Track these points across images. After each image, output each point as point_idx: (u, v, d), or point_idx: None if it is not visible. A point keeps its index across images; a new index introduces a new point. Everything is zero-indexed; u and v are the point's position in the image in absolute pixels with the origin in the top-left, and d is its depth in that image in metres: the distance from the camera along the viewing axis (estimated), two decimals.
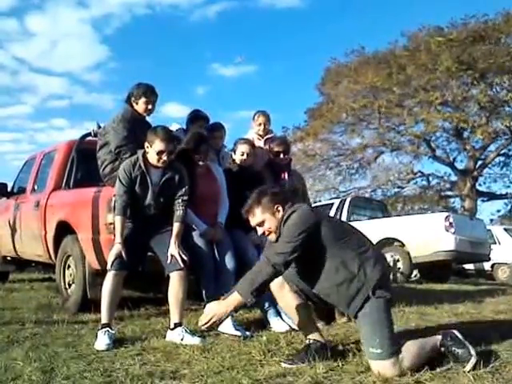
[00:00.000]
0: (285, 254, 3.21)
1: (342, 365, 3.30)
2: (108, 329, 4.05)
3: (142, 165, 4.35)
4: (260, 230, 3.46)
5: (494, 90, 23.95)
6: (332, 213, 12.86)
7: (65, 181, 6.26)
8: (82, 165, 6.22)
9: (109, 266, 4.23)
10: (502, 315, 5.40)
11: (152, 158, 4.34)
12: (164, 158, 4.32)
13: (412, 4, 39.41)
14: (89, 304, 5.13)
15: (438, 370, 3.13)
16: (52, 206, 6.17)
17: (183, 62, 52.81)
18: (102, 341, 3.90)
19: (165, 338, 4.11)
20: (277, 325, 4.59)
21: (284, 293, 3.54)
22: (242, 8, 48.56)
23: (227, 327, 4.32)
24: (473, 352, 3.18)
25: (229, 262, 4.69)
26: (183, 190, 4.47)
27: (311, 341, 3.51)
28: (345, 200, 13.46)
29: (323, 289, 3.33)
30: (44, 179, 6.80)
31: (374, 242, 3.75)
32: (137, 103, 5.15)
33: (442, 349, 3.28)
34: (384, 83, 24.17)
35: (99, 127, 5.88)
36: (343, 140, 28.29)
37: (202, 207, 4.84)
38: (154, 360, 3.49)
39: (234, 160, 5.32)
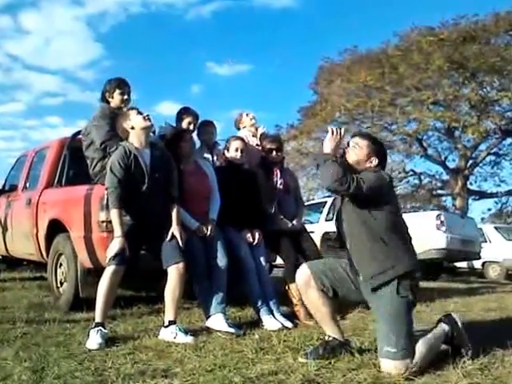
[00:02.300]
0: (363, 182, 3.29)
1: (334, 362, 3.31)
2: (101, 328, 4.02)
3: (133, 149, 4.37)
4: (348, 148, 3.59)
5: (485, 89, 24.04)
6: (325, 211, 12.87)
7: (57, 178, 6.23)
8: (75, 162, 6.16)
9: (108, 261, 4.18)
10: (492, 313, 5.43)
11: (140, 138, 4.42)
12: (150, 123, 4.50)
13: (404, 4, 39.54)
14: (81, 303, 5.12)
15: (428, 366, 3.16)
16: (44, 203, 6.14)
17: (178, 61, 52.96)
18: (94, 340, 3.87)
19: (157, 336, 4.10)
20: (269, 323, 4.60)
21: (309, 290, 3.56)
22: (236, 7, 48.81)
23: (220, 325, 4.33)
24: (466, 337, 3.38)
25: (221, 259, 4.67)
26: (175, 172, 4.59)
27: (330, 338, 3.53)
28: (337, 199, 13.42)
29: (360, 249, 3.41)
30: (36, 177, 6.77)
31: None
32: (112, 97, 5.29)
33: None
34: (377, 82, 24.23)
35: None
36: None
37: (193, 204, 4.82)
38: (145, 359, 3.48)
39: (226, 158, 5.31)
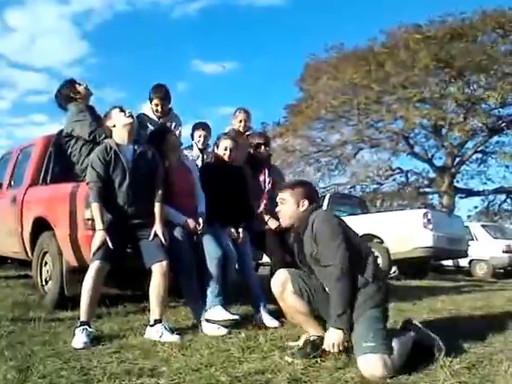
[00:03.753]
0: (340, 249, 3.30)
1: (321, 361, 3.30)
2: (86, 327, 3.98)
3: (114, 145, 4.40)
4: (277, 208, 3.75)
5: (471, 87, 24.17)
6: None
7: (42, 176, 6.16)
8: (60, 160, 6.10)
9: (92, 257, 4.18)
10: (479, 311, 5.45)
11: (121, 134, 4.46)
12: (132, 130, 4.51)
13: (391, 1, 39.67)
14: (66, 301, 5.07)
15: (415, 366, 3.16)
16: (29, 201, 6.08)
17: (164, 59, 52.89)
18: (79, 339, 3.84)
19: (143, 335, 4.08)
20: (270, 322, 4.62)
21: (285, 292, 3.58)
22: (222, 5, 48.80)
23: (222, 315, 4.38)
24: (434, 336, 3.37)
25: (214, 252, 4.65)
26: (160, 168, 4.58)
27: (315, 336, 3.54)
28: (324, 196, 13.44)
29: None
30: (21, 174, 6.69)
31: None
32: (79, 93, 5.51)
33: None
34: (363, 80, 24.28)
35: None
36: (322, 136, 28.43)
37: (180, 201, 4.80)
38: (131, 358, 3.46)
39: (216, 155, 5.29)
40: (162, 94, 5.58)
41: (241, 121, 6.05)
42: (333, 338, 3.23)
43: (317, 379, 3.01)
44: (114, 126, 4.49)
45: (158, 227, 4.38)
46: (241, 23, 49.70)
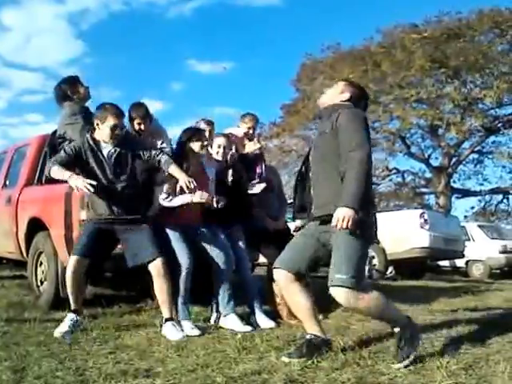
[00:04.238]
0: (366, 138, 3.44)
1: (317, 362, 3.29)
2: (74, 316, 4.16)
3: (90, 140, 4.38)
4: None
5: (468, 87, 24.17)
6: None
7: (37, 176, 6.15)
8: None
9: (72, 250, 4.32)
10: (476, 312, 5.44)
11: (105, 134, 4.38)
12: (117, 132, 4.40)
13: (387, 1, 39.71)
14: (61, 302, 5.03)
15: (411, 366, 3.16)
16: (24, 201, 6.07)
17: (159, 59, 52.84)
18: (60, 328, 4.05)
19: (138, 336, 4.07)
20: (264, 322, 4.62)
21: (290, 287, 3.57)
22: (219, 5, 48.71)
23: (235, 324, 4.45)
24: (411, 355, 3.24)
25: (221, 257, 4.67)
26: (148, 153, 4.50)
27: (312, 336, 3.52)
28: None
29: (322, 179, 3.54)
30: (16, 174, 6.66)
31: None
32: (78, 93, 5.46)
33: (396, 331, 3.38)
34: (359, 80, 24.18)
35: None
36: None
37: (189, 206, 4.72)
38: (127, 358, 3.45)
39: (210, 155, 5.26)
40: (142, 112, 5.44)
41: (250, 128, 5.96)
42: (342, 212, 3.18)
43: (313, 380, 3.00)
44: (98, 124, 4.41)
45: (182, 180, 4.31)
46: (236, 23, 49.71)
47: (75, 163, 4.34)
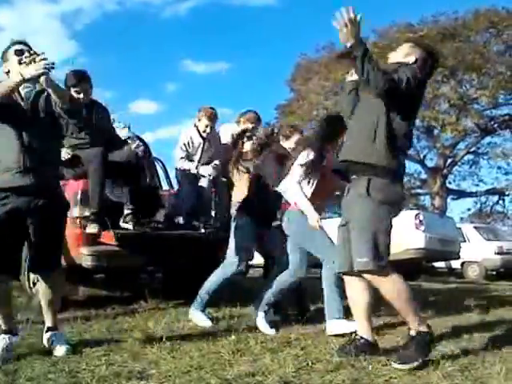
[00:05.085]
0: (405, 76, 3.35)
1: (312, 364, 3.29)
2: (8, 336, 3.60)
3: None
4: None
5: (464, 87, 24.22)
6: None
7: None
8: None
9: None
10: (471, 313, 5.44)
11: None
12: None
13: (383, 0, 39.77)
14: None
15: (407, 367, 3.16)
16: None
17: (154, 59, 52.91)
18: None
19: (131, 338, 3.99)
20: (266, 330, 4.51)
21: (353, 283, 3.60)
22: (214, 5, 48.75)
23: (262, 326, 4.44)
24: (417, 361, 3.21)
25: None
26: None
27: (358, 337, 3.55)
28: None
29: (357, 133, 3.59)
30: None
31: None
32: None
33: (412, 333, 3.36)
34: None
35: None
36: None
37: None
38: (120, 360, 3.42)
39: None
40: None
41: (253, 128, 5.93)
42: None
43: (308, 382, 2.99)
44: (8, 72, 3.56)
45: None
46: (231, 23, 49.81)
47: None
